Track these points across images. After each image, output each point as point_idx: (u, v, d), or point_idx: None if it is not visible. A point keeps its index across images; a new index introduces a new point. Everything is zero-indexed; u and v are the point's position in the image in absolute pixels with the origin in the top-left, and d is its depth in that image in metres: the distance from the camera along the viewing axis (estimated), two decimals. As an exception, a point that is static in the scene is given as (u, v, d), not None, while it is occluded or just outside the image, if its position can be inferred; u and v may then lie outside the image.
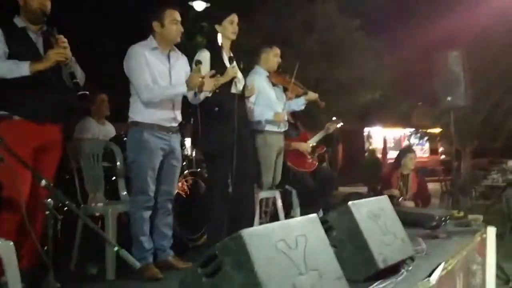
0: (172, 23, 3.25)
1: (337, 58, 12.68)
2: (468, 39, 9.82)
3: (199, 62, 3.29)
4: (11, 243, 1.99)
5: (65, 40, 2.89)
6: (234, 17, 3.60)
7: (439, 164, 21.02)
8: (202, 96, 3.34)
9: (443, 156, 22.28)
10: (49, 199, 1.77)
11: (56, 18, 2.95)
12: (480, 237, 4.01)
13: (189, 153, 5.13)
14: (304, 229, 2.13)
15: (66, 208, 1.93)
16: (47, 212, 1.79)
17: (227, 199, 3.45)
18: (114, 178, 3.96)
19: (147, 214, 3.23)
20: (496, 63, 11.54)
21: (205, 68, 3.37)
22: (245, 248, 1.81)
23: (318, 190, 4.55)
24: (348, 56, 12.94)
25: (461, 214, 4.61)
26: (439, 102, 5.64)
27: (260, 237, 1.91)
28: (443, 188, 11.08)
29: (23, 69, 2.76)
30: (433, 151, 23.44)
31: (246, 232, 1.88)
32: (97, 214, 3.72)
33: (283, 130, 4.29)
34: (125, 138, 4.05)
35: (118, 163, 3.76)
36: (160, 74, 3.26)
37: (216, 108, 3.46)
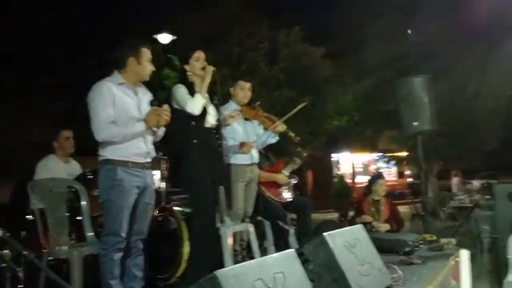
0: (148, 61, 3.29)
1: (303, 86, 12.83)
2: (434, 65, 10.16)
3: (153, 103, 3.27)
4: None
5: None
6: (200, 54, 3.73)
7: (406, 187, 21.38)
8: (160, 133, 3.39)
9: (410, 179, 22.68)
10: (6, 250, 1.65)
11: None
12: (454, 260, 4.01)
13: (159, 188, 4.99)
14: (281, 266, 2.06)
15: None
16: (4, 265, 1.66)
17: (212, 232, 3.47)
18: (79, 218, 3.80)
19: (118, 256, 3.10)
20: (462, 87, 11.98)
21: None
22: (221, 290, 1.73)
23: (296, 218, 4.59)
24: (313, 84, 13.12)
25: (434, 238, 4.61)
26: (405, 127, 5.72)
27: (236, 277, 1.84)
28: (412, 211, 11.21)
29: None
30: (400, 174, 23.81)
31: (221, 273, 1.80)
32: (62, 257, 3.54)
33: (251, 162, 4.25)
34: (89, 176, 3.92)
35: (82, 203, 3.62)
36: (129, 108, 3.20)
37: (195, 141, 3.57)
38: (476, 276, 4.64)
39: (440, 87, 9.20)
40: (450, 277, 3.80)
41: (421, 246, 4.34)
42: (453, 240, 4.43)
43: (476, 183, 14.21)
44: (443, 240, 4.46)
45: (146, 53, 3.28)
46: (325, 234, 2.63)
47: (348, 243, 2.74)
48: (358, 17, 12.24)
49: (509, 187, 5.81)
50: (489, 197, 8.94)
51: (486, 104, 12.62)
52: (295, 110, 4.41)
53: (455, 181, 15.05)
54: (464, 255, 4.20)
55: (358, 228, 3.00)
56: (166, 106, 3.23)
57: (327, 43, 13.59)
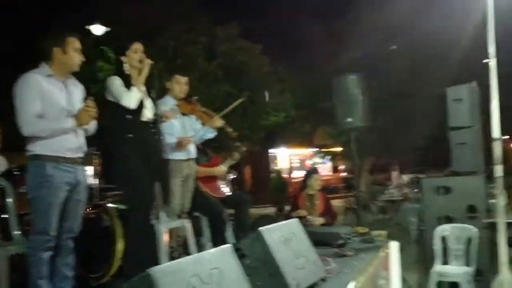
0: (75, 51, 3.14)
1: (241, 82, 12.87)
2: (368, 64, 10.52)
3: (87, 98, 3.16)
4: None
5: None
6: (138, 45, 3.63)
7: (341, 182, 22.04)
8: (92, 127, 3.28)
9: (344, 174, 23.37)
10: None
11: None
12: (384, 252, 4.16)
13: (92, 184, 4.84)
14: (218, 261, 2.05)
15: None
16: None
17: (148, 229, 3.37)
18: (5, 216, 3.60)
19: (47, 255, 2.96)
20: (396, 86, 12.48)
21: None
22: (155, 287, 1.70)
23: (233, 213, 4.58)
24: (251, 80, 13.18)
25: (366, 230, 4.76)
26: (339, 123, 5.88)
27: (171, 275, 1.80)
28: (346, 204, 11.57)
29: None
30: (335, 169, 24.50)
31: (156, 270, 1.76)
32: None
33: (188, 157, 4.21)
34: (16, 172, 3.73)
35: (8, 200, 3.43)
36: (58, 101, 3.06)
37: (130, 135, 3.46)
38: (404, 266, 4.84)
39: (374, 85, 9.56)
40: (381, 268, 3.94)
41: (353, 238, 4.47)
42: (384, 232, 4.59)
43: (406, 178, 14.89)
44: (374, 233, 4.62)
45: (73, 43, 3.13)
46: (261, 229, 2.65)
47: (284, 237, 2.77)
48: (296, 16, 12.45)
49: (436, 181, 6.10)
50: (418, 190, 9.37)
51: (418, 103, 13.20)
52: (232, 106, 4.41)
53: (394, 175, 15.66)
54: (394, 246, 4.38)
55: (293, 222, 3.04)
56: (90, 101, 3.11)
57: (265, 40, 13.73)
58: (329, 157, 19.40)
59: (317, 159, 21.15)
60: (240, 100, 4.50)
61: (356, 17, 12.33)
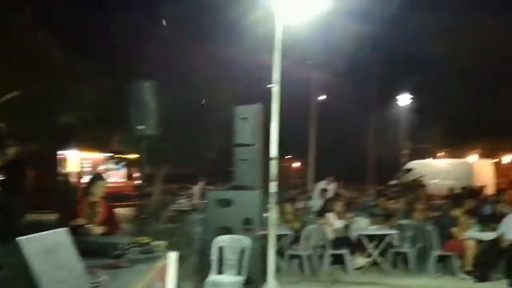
0: None
1: (32, 72, 11.68)
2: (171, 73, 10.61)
3: None
4: None
5: None
6: None
7: (134, 189, 21.68)
8: None
9: (138, 181, 23.04)
10: None
11: None
12: (162, 263, 4.15)
13: None
14: None
15: None
16: None
17: None
18: None
19: None
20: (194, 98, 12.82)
21: None
22: None
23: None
24: (44, 73, 12.08)
25: (146, 240, 4.70)
26: (132, 129, 5.78)
27: None
28: (136, 213, 11.41)
29: None
30: (130, 176, 23.95)
31: None
32: None
33: None
34: None
35: None
36: None
37: None
38: (184, 277, 4.93)
39: (172, 95, 9.66)
40: (156, 279, 3.91)
41: (133, 249, 4.36)
42: (163, 243, 4.59)
43: (197, 188, 15.40)
44: (154, 243, 4.58)
45: None
46: (20, 238, 2.42)
47: (47, 248, 2.57)
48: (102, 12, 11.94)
49: (218, 193, 6.42)
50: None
51: (213, 116, 13.79)
52: (2, 99, 3.93)
53: (200, 185, 15.91)
54: (172, 257, 4.40)
55: (60, 232, 2.82)
56: None
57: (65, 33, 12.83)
58: (124, 163, 18.87)
59: (111, 165, 20.37)
60: (12, 94, 4.03)
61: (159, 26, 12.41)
